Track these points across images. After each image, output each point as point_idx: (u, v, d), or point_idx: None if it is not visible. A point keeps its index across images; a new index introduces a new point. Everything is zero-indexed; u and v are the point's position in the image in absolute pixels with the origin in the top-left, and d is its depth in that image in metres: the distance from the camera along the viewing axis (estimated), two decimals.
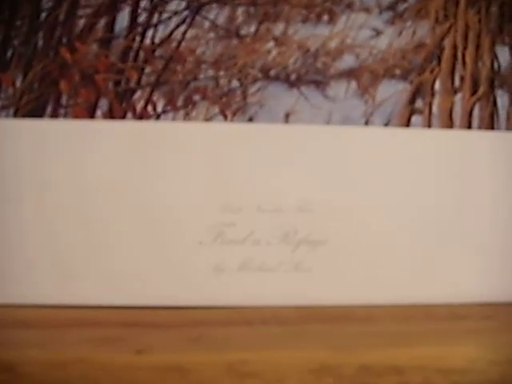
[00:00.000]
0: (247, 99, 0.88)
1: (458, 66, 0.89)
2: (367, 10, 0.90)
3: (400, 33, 0.90)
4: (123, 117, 0.85)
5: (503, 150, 0.61)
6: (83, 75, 0.84)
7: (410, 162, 0.60)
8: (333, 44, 0.89)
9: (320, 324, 0.54)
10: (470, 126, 0.89)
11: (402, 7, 0.90)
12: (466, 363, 0.45)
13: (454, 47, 0.89)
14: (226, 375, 0.43)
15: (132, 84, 0.86)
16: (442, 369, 0.45)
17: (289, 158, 0.59)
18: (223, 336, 0.50)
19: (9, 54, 0.85)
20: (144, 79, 0.87)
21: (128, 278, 0.57)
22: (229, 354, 0.44)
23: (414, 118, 0.90)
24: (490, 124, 0.89)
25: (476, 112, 0.89)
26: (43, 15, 0.85)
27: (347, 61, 0.90)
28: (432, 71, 0.89)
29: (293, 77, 0.88)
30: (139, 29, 0.87)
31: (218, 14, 0.88)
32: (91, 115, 0.84)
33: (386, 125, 0.89)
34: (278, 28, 0.89)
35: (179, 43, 0.87)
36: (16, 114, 0.83)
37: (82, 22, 0.86)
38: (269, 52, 0.88)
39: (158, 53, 0.87)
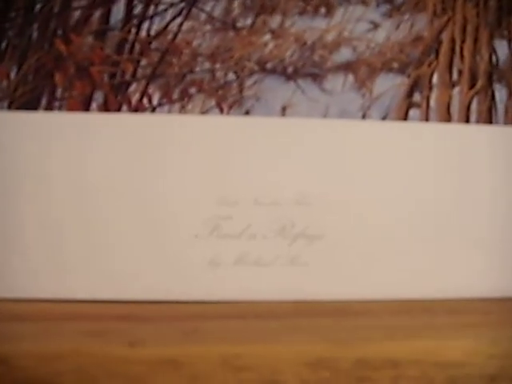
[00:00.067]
0: (243, 92, 0.87)
1: (456, 59, 0.89)
2: (365, 2, 0.90)
3: (398, 26, 0.90)
4: (118, 109, 0.85)
5: (501, 144, 0.61)
6: (78, 67, 0.84)
7: (408, 155, 0.60)
8: (330, 37, 0.89)
9: (316, 318, 0.54)
10: (467, 120, 0.89)
11: (399, 0, 0.90)
12: (463, 357, 0.45)
13: (452, 41, 0.89)
14: (220, 369, 0.43)
15: (127, 76, 0.86)
16: (439, 362, 0.45)
17: (285, 152, 0.59)
18: (218, 330, 0.49)
19: (3, 45, 0.85)
20: (139, 72, 0.86)
21: (123, 271, 0.57)
22: (223, 348, 0.44)
23: (412, 112, 0.90)
24: (488, 118, 0.89)
25: (474, 106, 0.89)
26: (38, 7, 0.85)
27: (344, 54, 0.89)
28: (430, 65, 0.89)
29: (289, 70, 0.88)
30: (135, 21, 0.87)
31: (214, 6, 0.88)
32: (86, 108, 0.84)
33: (384, 118, 0.89)
34: (275, 20, 0.89)
35: (175, 35, 0.87)
36: (10, 107, 0.83)
37: (77, 14, 0.86)
38: (265, 45, 0.88)
39: (153, 45, 0.87)
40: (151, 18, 0.87)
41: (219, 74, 0.88)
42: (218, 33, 0.87)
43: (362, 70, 0.89)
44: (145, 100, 0.86)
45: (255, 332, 0.49)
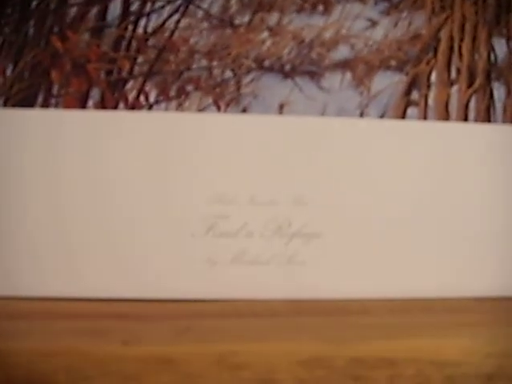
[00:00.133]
0: (241, 90, 0.87)
1: (455, 57, 0.89)
2: (362, 0, 0.89)
3: (396, 24, 0.90)
4: (115, 107, 0.85)
5: (499, 143, 0.61)
6: (75, 64, 0.84)
7: (406, 154, 0.60)
8: (328, 34, 0.89)
9: (313, 317, 0.54)
10: (466, 119, 0.89)
11: None
12: (460, 356, 0.45)
13: (451, 39, 0.89)
14: (215, 367, 0.43)
15: (124, 74, 0.86)
16: (436, 361, 0.45)
17: (283, 150, 0.59)
18: (214, 328, 0.49)
19: None
20: (136, 69, 0.86)
21: (119, 270, 0.56)
22: (219, 346, 0.44)
23: (410, 110, 0.90)
24: (487, 116, 0.89)
25: (472, 104, 0.89)
26: (34, 3, 0.85)
27: (342, 51, 0.89)
28: (428, 63, 0.89)
29: (287, 67, 0.88)
30: (132, 18, 0.87)
31: (211, 4, 0.88)
32: (83, 105, 0.84)
33: (382, 117, 0.88)
34: (273, 18, 0.89)
35: (172, 33, 0.87)
36: (6, 104, 0.83)
37: (73, 11, 0.86)
38: (263, 42, 0.88)
39: (150, 42, 0.87)
40: (148, 15, 0.87)
41: (216, 71, 0.88)
42: (215, 30, 0.87)
43: (360, 68, 0.89)
44: (142, 97, 0.86)
45: (251, 330, 0.49)
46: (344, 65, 0.89)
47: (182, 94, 0.86)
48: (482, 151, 0.61)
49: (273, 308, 0.55)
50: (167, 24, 0.87)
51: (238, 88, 0.87)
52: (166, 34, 0.87)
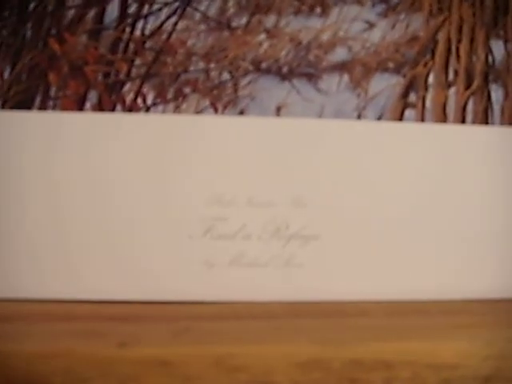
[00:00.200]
0: (238, 92, 0.87)
1: (452, 59, 0.89)
2: (360, 2, 0.89)
3: (393, 26, 0.90)
4: (113, 109, 0.84)
5: (497, 145, 0.61)
6: (72, 67, 0.84)
7: (403, 156, 0.60)
8: (325, 36, 0.89)
9: (310, 319, 0.54)
10: (463, 121, 0.89)
11: (395, 0, 0.90)
12: (457, 358, 0.45)
13: (448, 41, 0.89)
14: (212, 369, 0.43)
15: (122, 76, 0.86)
16: (432, 364, 0.45)
17: (280, 152, 0.59)
18: (211, 330, 0.49)
19: None
20: (134, 71, 0.86)
21: (117, 272, 0.56)
22: (216, 348, 0.44)
23: (407, 112, 0.89)
24: (484, 119, 0.89)
25: (470, 106, 0.89)
26: (32, 6, 0.85)
27: (340, 54, 0.89)
28: (425, 65, 0.89)
29: (284, 69, 0.88)
30: (129, 20, 0.86)
31: (209, 6, 0.88)
32: (80, 107, 0.84)
33: (379, 119, 0.88)
34: (270, 20, 0.88)
35: (170, 35, 0.86)
36: (4, 106, 0.83)
37: (71, 13, 0.86)
38: (260, 44, 0.88)
39: (148, 44, 0.87)
40: (146, 17, 0.87)
41: (214, 73, 0.87)
42: (212, 32, 0.87)
43: (358, 70, 0.89)
44: (139, 100, 0.86)
45: (249, 332, 0.49)
46: (341, 67, 0.89)
47: (179, 96, 0.86)
48: (479, 153, 0.61)
49: (270, 310, 0.55)
50: (165, 26, 0.87)
51: (236, 90, 0.87)
52: (164, 37, 0.87)
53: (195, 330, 0.49)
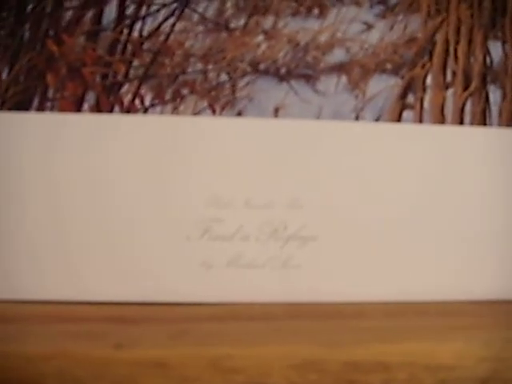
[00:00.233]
0: (236, 93, 0.87)
1: (450, 60, 0.89)
2: (358, 3, 0.89)
3: (391, 27, 0.90)
4: (110, 110, 0.84)
5: (495, 146, 0.61)
6: (70, 68, 0.84)
7: (401, 157, 0.60)
8: (323, 38, 0.89)
9: (308, 320, 0.54)
10: (461, 122, 0.88)
11: (393, 1, 0.90)
12: (454, 360, 0.45)
13: (446, 42, 0.89)
14: (208, 371, 0.43)
15: (119, 77, 0.86)
16: (430, 365, 0.45)
17: (278, 153, 0.59)
18: (208, 331, 0.49)
19: None
20: (132, 72, 0.86)
21: (115, 273, 0.56)
22: (213, 350, 0.44)
23: (405, 114, 0.89)
24: (482, 120, 0.89)
25: (468, 108, 0.89)
26: (30, 7, 0.85)
27: (338, 55, 0.89)
28: (423, 66, 0.89)
29: (282, 71, 0.88)
30: (127, 21, 0.86)
31: (207, 7, 0.88)
32: (78, 109, 0.84)
33: (377, 120, 0.88)
34: (268, 21, 0.88)
35: (167, 36, 0.86)
36: (2, 107, 0.83)
37: (69, 14, 0.86)
38: (258, 45, 0.88)
39: (146, 46, 0.87)
40: (143, 18, 0.87)
41: (212, 74, 0.87)
42: (210, 33, 0.87)
43: (355, 71, 0.89)
44: (137, 101, 0.86)
45: (246, 334, 0.49)
46: (339, 68, 0.89)
47: (177, 97, 0.86)
48: (477, 154, 0.61)
49: (268, 311, 0.55)
50: (162, 27, 0.87)
51: (234, 91, 0.87)
52: (162, 38, 0.87)
53: (192, 331, 0.49)
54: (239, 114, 0.87)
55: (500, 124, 0.89)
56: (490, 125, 0.89)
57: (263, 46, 0.88)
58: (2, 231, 0.56)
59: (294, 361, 0.44)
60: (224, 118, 0.83)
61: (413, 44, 0.89)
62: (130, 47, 0.86)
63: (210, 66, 0.87)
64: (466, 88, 0.89)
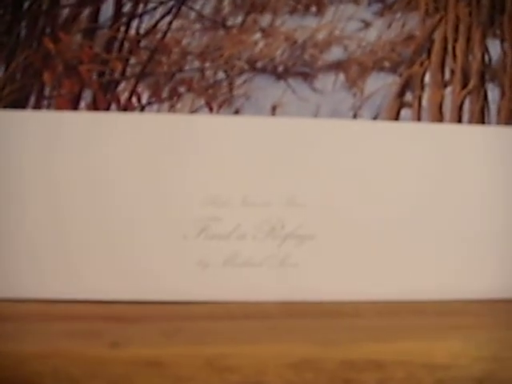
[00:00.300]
0: (233, 91, 0.87)
1: (448, 58, 0.89)
2: (356, 1, 0.89)
3: (389, 25, 0.90)
4: (107, 108, 0.84)
5: (494, 145, 0.61)
6: (67, 66, 0.84)
7: (399, 155, 0.60)
8: (321, 36, 0.89)
9: (305, 319, 0.54)
10: (460, 120, 0.89)
11: None
12: (451, 359, 0.45)
13: (445, 40, 0.89)
14: (205, 369, 0.43)
15: (116, 75, 0.86)
16: (426, 364, 0.45)
17: (275, 151, 0.58)
18: (205, 330, 0.49)
19: None
20: (129, 70, 0.86)
21: (110, 272, 0.56)
22: (208, 348, 0.44)
23: (403, 112, 0.89)
24: (481, 118, 0.89)
25: (466, 106, 0.89)
26: (26, 4, 0.85)
27: (335, 53, 0.89)
28: (422, 64, 0.89)
29: (280, 69, 0.88)
30: (124, 19, 0.86)
31: (204, 5, 0.88)
32: (75, 107, 0.84)
33: (375, 118, 0.88)
34: (265, 19, 0.88)
35: (165, 34, 0.86)
36: None
37: (65, 12, 0.86)
38: (256, 43, 0.88)
39: (142, 43, 0.87)
40: (140, 16, 0.87)
41: (209, 72, 0.87)
42: (207, 31, 0.87)
43: (353, 70, 0.89)
44: (134, 99, 0.86)
45: (242, 333, 0.49)
46: (337, 66, 0.89)
47: (174, 95, 0.86)
48: (476, 153, 0.61)
49: (265, 310, 0.55)
50: (159, 25, 0.87)
51: (231, 89, 0.87)
52: (159, 36, 0.87)
53: (188, 330, 0.49)
54: (236, 112, 0.87)
55: (498, 122, 0.89)
56: (489, 123, 0.89)
57: (261, 44, 0.88)
58: (2, 230, 0.56)
59: (289, 359, 0.43)
60: (221, 116, 0.84)
61: (411, 42, 0.89)
62: (126, 45, 0.86)
63: (207, 64, 0.87)
64: (464, 86, 0.89)
